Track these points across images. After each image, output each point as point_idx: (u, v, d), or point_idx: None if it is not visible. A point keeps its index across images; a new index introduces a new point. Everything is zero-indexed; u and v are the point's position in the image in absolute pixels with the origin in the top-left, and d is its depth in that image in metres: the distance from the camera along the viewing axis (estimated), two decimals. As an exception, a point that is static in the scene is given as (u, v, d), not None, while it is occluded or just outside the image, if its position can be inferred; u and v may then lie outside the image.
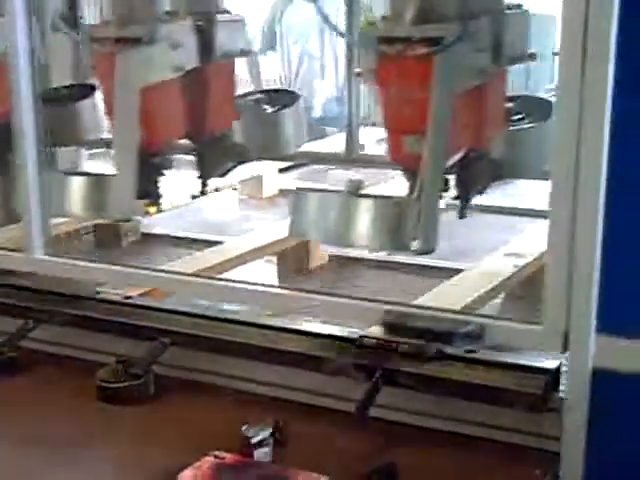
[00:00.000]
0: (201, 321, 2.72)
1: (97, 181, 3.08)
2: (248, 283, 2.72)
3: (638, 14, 1.93)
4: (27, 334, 2.87)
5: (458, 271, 3.35)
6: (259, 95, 3.69)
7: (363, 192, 2.71)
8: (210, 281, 2.89)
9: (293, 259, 3.89)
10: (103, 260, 3.14)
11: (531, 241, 3.61)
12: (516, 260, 3.45)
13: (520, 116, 3.26)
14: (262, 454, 2.23)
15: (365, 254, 3.68)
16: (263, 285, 2.72)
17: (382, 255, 3.79)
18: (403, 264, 3.87)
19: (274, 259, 3.93)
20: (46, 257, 2.89)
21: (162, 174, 3.24)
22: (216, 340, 2.63)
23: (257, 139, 3.57)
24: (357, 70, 2.81)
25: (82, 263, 2.96)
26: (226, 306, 2.80)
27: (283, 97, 3.74)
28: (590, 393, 2.05)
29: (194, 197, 4.09)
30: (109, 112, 3.20)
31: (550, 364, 2.27)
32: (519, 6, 2.92)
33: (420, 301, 2.77)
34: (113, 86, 3.01)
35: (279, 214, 4.26)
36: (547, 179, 2.95)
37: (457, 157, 2.87)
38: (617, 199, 2.00)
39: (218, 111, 3.37)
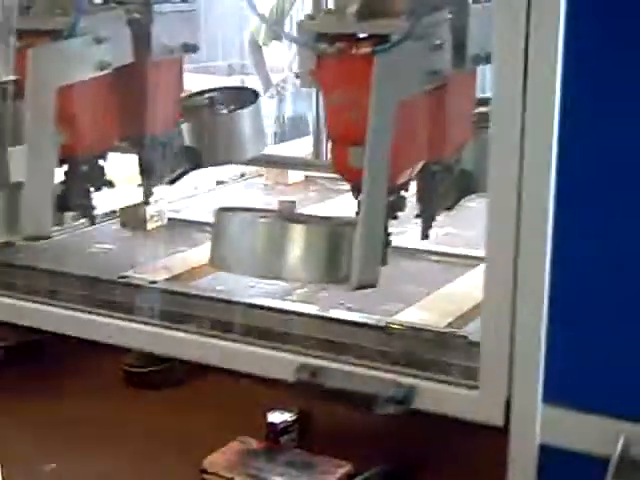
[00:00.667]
0: (227, 306, 2.61)
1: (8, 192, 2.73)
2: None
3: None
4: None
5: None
6: (214, 94, 3.34)
7: (298, 214, 2.35)
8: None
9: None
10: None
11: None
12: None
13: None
14: (288, 440, 2.26)
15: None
16: (174, 329, 2.48)
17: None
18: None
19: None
20: None
21: (95, 184, 2.89)
22: (241, 325, 2.52)
23: (210, 143, 3.21)
24: (295, 71, 2.43)
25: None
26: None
27: (242, 96, 3.38)
28: (536, 474, 1.76)
29: (218, 183, 4.13)
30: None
31: None
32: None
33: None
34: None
35: (303, 200, 4.09)
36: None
37: (414, 171, 2.51)
38: (567, 250, 1.74)
39: (159, 112, 3.01)
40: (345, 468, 2.16)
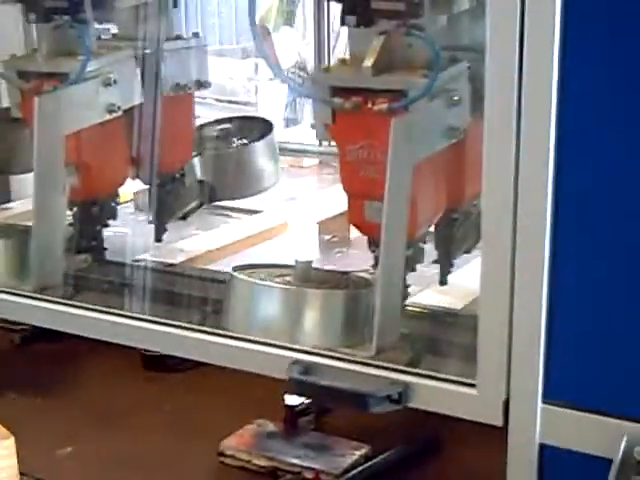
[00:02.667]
0: None
1: (18, 239, 2.68)
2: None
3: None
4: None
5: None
6: (227, 125, 3.28)
7: (314, 273, 2.28)
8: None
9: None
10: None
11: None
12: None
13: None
14: (305, 422, 2.25)
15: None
16: (170, 326, 2.36)
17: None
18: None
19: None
20: None
21: (104, 224, 2.84)
22: None
23: (224, 177, 3.16)
24: (311, 122, 2.37)
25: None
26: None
27: (255, 126, 3.32)
28: (537, 474, 1.73)
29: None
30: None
31: None
32: (508, 43, 2.46)
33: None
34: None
35: (316, 183, 4.35)
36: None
37: (432, 223, 2.45)
38: (564, 252, 1.69)
39: (172, 148, 2.96)
40: (362, 450, 2.15)
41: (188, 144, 3.02)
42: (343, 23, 2.28)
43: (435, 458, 2.20)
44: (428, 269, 2.57)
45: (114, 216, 2.88)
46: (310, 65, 7.43)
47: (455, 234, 2.57)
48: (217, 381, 2.51)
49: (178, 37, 2.88)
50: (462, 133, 2.27)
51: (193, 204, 3.14)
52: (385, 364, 2.03)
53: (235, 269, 2.30)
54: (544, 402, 1.69)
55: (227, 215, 3.68)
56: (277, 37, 7.41)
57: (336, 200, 3.43)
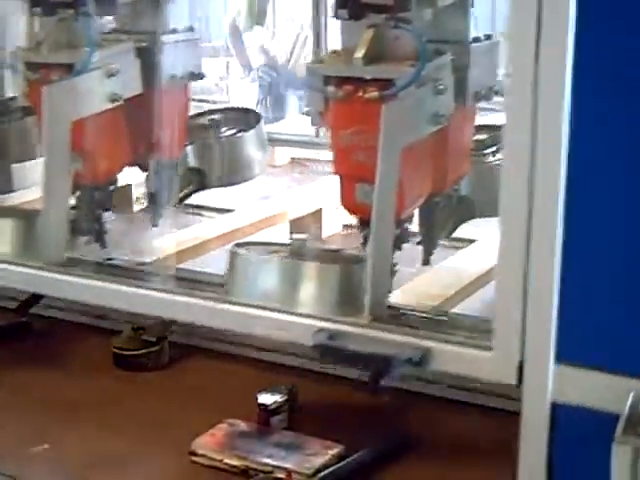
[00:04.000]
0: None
1: (25, 219, 2.82)
2: (177, 293, 2.50)
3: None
4: (39, 300, 2.81)
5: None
6: (216, 115, 3.43)
7: (308, 249, 2.45)
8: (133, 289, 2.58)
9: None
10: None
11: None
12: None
13: (494, 148, 3.01)
14: (278, 421, 2.24)
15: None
16: (191, 295, 2.46)
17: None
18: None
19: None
20: None
21: (107, 209, 2.99)
22: None
23: (216, 165, 3.31)
24: (305, 109, 2.53)
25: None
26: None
27: (243, 117, 3.48)
28: (549, 431, 1.82)
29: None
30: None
31: None
32: (489, 37, 2.65)
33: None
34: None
35: (288, 181, 4.29)
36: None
37: (416, 206, 2.62)
38: (578, 215, 1.76)
39: (168, 137, 3.10)
40: (335, 449, 2.12)
41: (183, 133, 3.15)
42: (336, 16, 2.44)
43: (407, 458, 2.17)
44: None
45: (111, 200, 3.01)
46: (280, 63, 7.61)
47: (438, 217, 2.74)
48: (189, 380, 2.55)
49: (174, 30, 3.02)
50: (447, 120, 2.44)
51: (186, 190, 3.28)
52: (405, 330, 2.16)
53: (235, 246, 2.45)
54: (556, 362, 1.79)
55: (199, 214, 3.74)
56: (248, 36, 7.55)
57: (308, 199, 3.67)
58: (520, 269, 1.77)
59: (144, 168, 3.14)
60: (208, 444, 2.15)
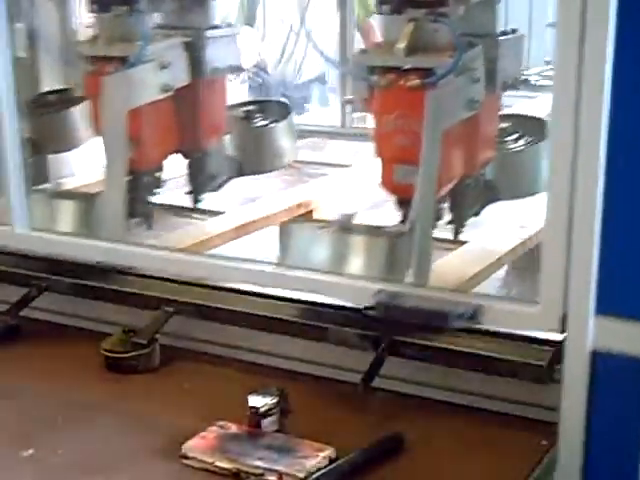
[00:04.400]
0: (205, 290, 2.71)
1: (85, 201, 3.03)
2: (234, 259, 2.63)
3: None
4: (29, 303, 2.84)
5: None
6: (250, 107, 3.65)
7: (354, 224, 2.66)
8: (198, 257, 2.78)
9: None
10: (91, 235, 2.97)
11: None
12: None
13: (515, 135, 3.23)
14: (269, 423, 2.22)
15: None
16: (249, 261, 2.59)
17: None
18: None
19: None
20: (29, 232, 2.76)
21: (153, 193, 3.20)
22: (221, 310, 2.64)
23: (250, 154, 3.52)
24: (348, 97, 2.75)
25: (66, 238, 2.84)
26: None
27: (275, 108, 3.69)
28: (589, 376, 2.00)
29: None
30: (96, 130, 3.15)
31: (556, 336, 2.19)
32: (514, 31, 2.88)
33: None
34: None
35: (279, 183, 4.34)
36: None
37: (450, 187, 2.84)
38: (618, 172, 1.91)
39: (209, 126, 3.32)
40: (326, 452, 2.10)
41: (222, 122, 3.37)
42: (379, 12, 2.67)
43: (399, 459, 2.15)
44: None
45: (159, 185, 3.22)
46: (270, 64, 7.81)
47: (467, 198, 2.96)
48: (180, 383, 2.51)
49: (215, 26, 3.23)
50: (480, 106, 2.66)
51: (223, 177, 3.49)
52: (455, 292, 2.37)
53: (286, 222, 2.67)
54: (596, 314, 1.96)
55: (188, 216, 3.80)
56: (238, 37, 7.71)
57: (297, 201, 3.75)
58: (564, 228, 1.95)
59: (186, 155, 3.34)
60: (199, 447, 2.13)
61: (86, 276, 2.84)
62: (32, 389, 2.49)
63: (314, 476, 2.01)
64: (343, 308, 2.50)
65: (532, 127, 3.19)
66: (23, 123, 3.23)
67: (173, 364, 2.62)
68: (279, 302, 2.60)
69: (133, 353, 2.56)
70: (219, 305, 2.64)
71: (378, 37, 5.32)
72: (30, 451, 2.19)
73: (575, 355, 2.00)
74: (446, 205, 2.93)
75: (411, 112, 2.60)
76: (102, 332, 2.70)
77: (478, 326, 2.24)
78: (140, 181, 3.14)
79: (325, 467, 2.06)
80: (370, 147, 2.77)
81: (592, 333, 1.98)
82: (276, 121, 3.59)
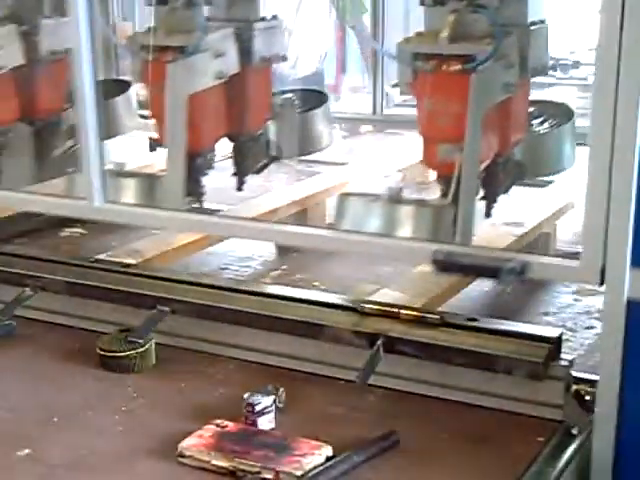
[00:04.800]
0: (200, 289, 2.73)
1: (149, 181, 3.28)
2: (298, 225, 2.88)
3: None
4: (25, 302, 2.86)
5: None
6: (290, 95, 3.89)
7: (402, 197, 2.92)
8: (266, 225, 2.96)
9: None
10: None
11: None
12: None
13: (541, 119, 3.49)
14: (265, 421, 2.22)
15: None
16: (312, 227, 2.84)
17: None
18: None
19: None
20: (105, 205, 2.87)
21: (205, 173, 3.44)
22: (217, 308, 2.64)
23: (290, 139, 3.76)
24: (393, 82, 3.00)
25: (140, 210, 2.99)
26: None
27: (312, 96, 3.94)
28: (625, 322, 2.16)
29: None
30: (153, 114, 3.40)
31: (552, 332, 2.36)
32: (542, 21, 3.13)
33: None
34: (159, 91, 3.21)
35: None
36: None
37: (486, 163, 3.09)
38: None
39: (256, 112, 3.57)
40: (323, 450, 2.09)
41: (266, 109, 3.61)
42: (422, 3, 2.93)
43: (395, 457, 2.15)
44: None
45: (211, 166, 3.47)
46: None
47: (499, 176, 3.22)
48: (177, 381, 2.50)
49: (263, 19, 3.49)
50: (515, 89, 2.92)
51: (265, 160, 3.74)
52: (506, 250, 2.61)
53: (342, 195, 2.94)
54: (632, 266, 2.13)
55: None
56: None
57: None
58: (604, 193, 2.17)
59: (233, 139, 3.58)
60: (196, 445, 2.11)
61: (81, 275, 2.86)
62: (28, 388, 2.49)
63: (311, 474, 2.00)
64: (339, 306, 2.55)
65: (556, 111, 3.46)
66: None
67: (169, 363, 2.60)
68: (275, 300, 2.63)
69: (129, 352, 2.55)
70: (215, 304, 2.65)
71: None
72: (26, 451, 2.17)
73: (612, 304, 2.20)
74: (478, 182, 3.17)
75: (453, 95, 2.86)
76: (98, 331, 2.71)
77: (474, 324, 2.38)
78: (194, 162, 3.37)
79: (322, 465, 2.05)
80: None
81: (628, 284, 2.18)
82: (314, 108, 3.84)
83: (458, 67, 2.84)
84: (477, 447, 2.20)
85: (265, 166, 3.77)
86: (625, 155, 2.15)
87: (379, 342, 2.40)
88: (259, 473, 2.03)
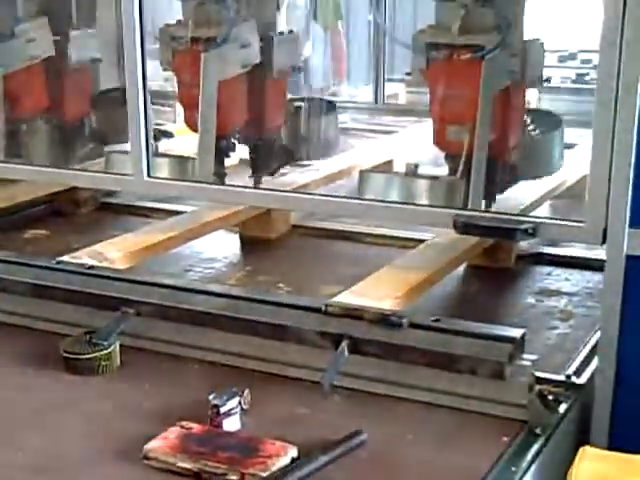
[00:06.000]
0: (165, 290, 2.73)
1: (181, 162, 3.57)
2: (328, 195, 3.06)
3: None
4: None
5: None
6: (300, 103, 4.20)
7: (418, 173, 3.24)
8: (300, 195, 3.20)
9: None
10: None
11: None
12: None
13: (532, 127, 3.81)
14: (230, 423, 2.23)
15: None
16: (348, 197, 3.04)
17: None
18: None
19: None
20: (152, 179, 3.12)
21: (228, 156, 3.74)
22: (181, 310, 2.66)
23: (300, 143, 4.05)
24: (407, 71, 3.33)
25: (184, 183, 3.24)
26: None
27: (320, 105, 4.26)
28: (624, 277, 2.40)
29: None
30: (182, 102, 3.70)
31: (514, 333, 2.40)
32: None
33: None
34: (189, 79, 3.54)
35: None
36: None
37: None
38: None
39: (272, 115, 3.86)
40: (289, 451, 2.10)
41: (281, 115, 3.91)
42: (436, -1, 3.27)
43: (361, 457, 2.16)
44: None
45: (234, 149, 3.77)
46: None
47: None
48: (141, 383, 2.50)
49: (281, 33, 3.81)
50: (518, 76, 3.26)
51: (279, 163, 4.00)
52: (519, 214, 2.87)
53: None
54: (630, 227, 2.39)
55: (148, 216, 4.05)
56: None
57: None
58: (606, 162, 2.46)
59: (250, 142, 3.86)
60: (161, 447, 2.11)
61: (44, 277, 2.86)
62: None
63: (277, 475, 2.01)
64: (303, 307, 2.58)
65: (545, 120, 3.76)
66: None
67: (134, 365, 2.60)
68: (239, 302, 2.65)
69: (93, 354, 2.55)
70: (179, 305, 2.66)
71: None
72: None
73: (613, 260, 2.46)
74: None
75: (462, 81, 3.19)
76: (61, 333, 2.71)
77: (439, 324, 2.44)
78: (218, 145, 3.66)
79: (288, 466, 2.05)
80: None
81: (626, 242, 2.45)
82: (323, 115, 4.15)
83: (468, 56, 3.17)
84: (442, 447, 2.22)
85: (278, 169, 4.02)
86: (625, 136, 2.42)
87: (344, 343, 2.42)
88: (225, 475, 2.03)
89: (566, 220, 2.69)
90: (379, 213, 2.96)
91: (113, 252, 3.13)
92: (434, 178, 3.23)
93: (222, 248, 3.74)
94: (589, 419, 2.43)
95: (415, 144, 4.47)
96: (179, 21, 3.66)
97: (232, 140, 3.77)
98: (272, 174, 3.98)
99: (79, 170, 3.47)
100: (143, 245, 3.27)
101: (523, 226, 2.66)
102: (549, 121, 3.70)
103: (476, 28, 3.22)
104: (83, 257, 3.04)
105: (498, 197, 3.26)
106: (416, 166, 3.24)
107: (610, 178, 2.46)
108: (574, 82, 5.70)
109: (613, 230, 2.44)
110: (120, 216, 4.04)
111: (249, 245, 3.76)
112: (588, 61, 6.25)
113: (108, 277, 2.81)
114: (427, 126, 3.37)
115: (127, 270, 3.01)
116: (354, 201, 3.04)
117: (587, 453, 2.03)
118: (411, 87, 5.29)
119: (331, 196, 3.17)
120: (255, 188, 3.29)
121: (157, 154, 3.61)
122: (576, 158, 3.58)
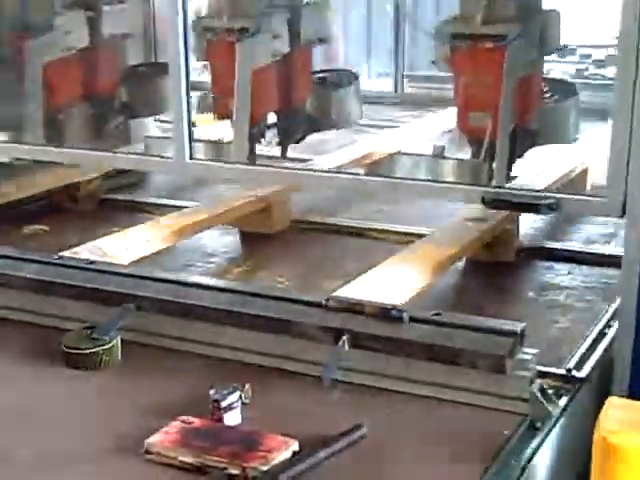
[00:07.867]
0: (165, 285, 2.71)
1: (216, 146, 3.77)
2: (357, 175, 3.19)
3: None
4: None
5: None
6: (325, 74, 4.40)
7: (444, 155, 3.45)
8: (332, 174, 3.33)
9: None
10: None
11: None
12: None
13: (549, 95, 4.01)
14: (231, 417, 2.22)
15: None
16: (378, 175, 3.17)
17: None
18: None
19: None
20: (192, 161, 3.18)
21: (259, 141, 3.93)
22: (182, 304, 2.64)
23: (325, 113, 4.25)
24: (432, 59, 3.52)
25: (220, 164, 3.30)
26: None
27: (344, 76, 4.45)
28: None
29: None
30: (215, 90, 3.88)
31: (515, 327, 2.35)
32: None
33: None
34: (225, 68, 3.71)
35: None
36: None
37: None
38: None
39: (300, 88, 4.06)
40: (290, 445, 2.08)
41: (308, 86, 4.10)
42: (458, -10, 3.45)
43: (362, 451, 2.13)
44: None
45: (264, 135, 3.96)
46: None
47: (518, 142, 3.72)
48: (142, 378, 2.47)
49: (307, 4, 3.99)
50: (536, 65, 3.45)
51: (303, 133, 4.23)
52: (539, 189, 3.05)
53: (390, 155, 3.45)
54: None
55: (149, 212, 4.03)
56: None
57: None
58: (626, 139, 2.56)
59: (279, 112, 4.07)
60: (162, 442, 2.09)
61: (45, 272, 2.83)
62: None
63: (278, 469, 2.00)
64: (303, 302, 2.55)
65: (561, 88, 3.97)
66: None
67: (135, 360, 2.57)
68: (240, 296, 2.62)
69: (94, 349, 2.52)
70: (180, 300, 2.64)
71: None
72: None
73: (631, 230, 2.59)
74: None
75: (485, 69, 3.38)
76: (62, 328, 2.68)
77: (439, 318, 2.41)
78: (250, 130, 3.85)
79: (289, 460, 2.05)
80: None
81: None
82: (345, 86, 4.34)
83: (490, 45, 3.36)
84: (443, 440, 2.19)
85: (303, 137, 4.25)
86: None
87: (344, 337, 2.41)
88: (226, 469, 2.02)
89: (588, 195, 2.88)
90: (414, 190, 3.10)
91: (112, 248, 3.17)
92: (460, 160, 3.43)
93: (222, 243, 3.76)
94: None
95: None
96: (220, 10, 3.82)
97: (262, 125, 3.94)
98: (298, 142, 4.18)
99: (120, 153, 3.61)
100: (142, 240, 3.30)
101: (547, 201, 2.79)
102: (564, 89, 3.88)
103: (499, 18, 3.40)
104: (82, 253, 3.06)
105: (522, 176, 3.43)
106: (443, 148, 3.43)
107: (629, 156, 2.58)
108: (573, 78, 5.86)
109: (631, 204, 2.56)
110: (118, 212, 4.10)
111: (249, 240, 3.77)
112: (587, 56, 6.45)
113: (109, 272, 2.80)
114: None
115: (128, 265, 3.02)
116: (400, 181, 3.08)
117: (614, 402, 2.10)
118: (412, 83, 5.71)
119: (373, 175, 3.32)
120: (293, 169, 3.41)
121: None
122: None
